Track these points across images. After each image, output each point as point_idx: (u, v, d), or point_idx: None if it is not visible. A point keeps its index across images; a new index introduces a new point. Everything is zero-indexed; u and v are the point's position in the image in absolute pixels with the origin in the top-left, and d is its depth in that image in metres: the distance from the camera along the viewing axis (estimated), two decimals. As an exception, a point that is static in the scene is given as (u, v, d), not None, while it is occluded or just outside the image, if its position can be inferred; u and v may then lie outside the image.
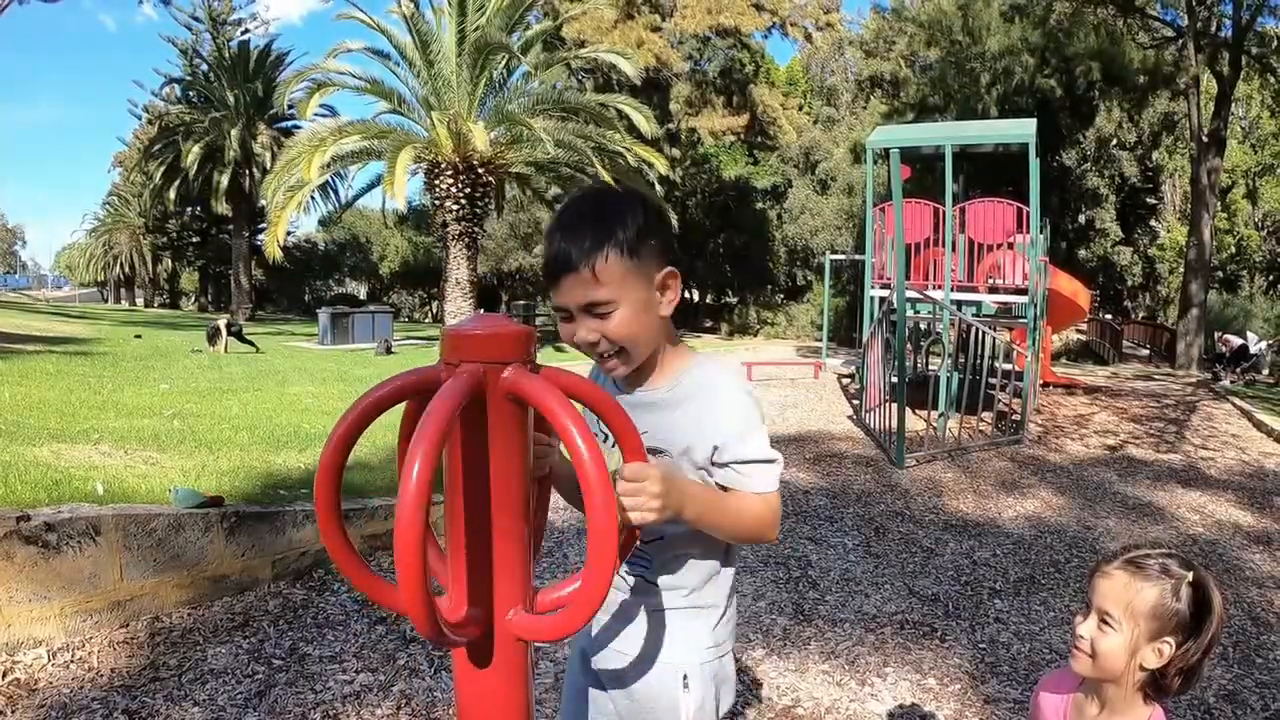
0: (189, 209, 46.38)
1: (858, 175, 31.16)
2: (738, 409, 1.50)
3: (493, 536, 1.13)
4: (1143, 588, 1.56)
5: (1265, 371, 20.83)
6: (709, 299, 43.80)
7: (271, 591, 4.40)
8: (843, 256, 25.19)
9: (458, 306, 19.41)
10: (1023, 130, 12.65)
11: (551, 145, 17.17)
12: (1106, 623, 1.58)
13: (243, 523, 4.36)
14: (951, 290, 11.77)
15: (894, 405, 8.82)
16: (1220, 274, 36.79)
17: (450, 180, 18.73)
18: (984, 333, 10.21)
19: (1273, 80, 25.05)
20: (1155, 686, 1.59)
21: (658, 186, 21.56)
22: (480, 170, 18.88)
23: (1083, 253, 32.63)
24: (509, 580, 1.15)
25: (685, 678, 1.56)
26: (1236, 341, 21.81)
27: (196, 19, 39.94)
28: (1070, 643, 1.67)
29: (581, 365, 1.68)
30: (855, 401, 12.39)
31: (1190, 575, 1.56)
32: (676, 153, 32.40)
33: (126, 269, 59.20)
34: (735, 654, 3.98)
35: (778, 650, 4.01)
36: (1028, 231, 11.96)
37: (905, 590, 4.89)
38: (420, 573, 0.95)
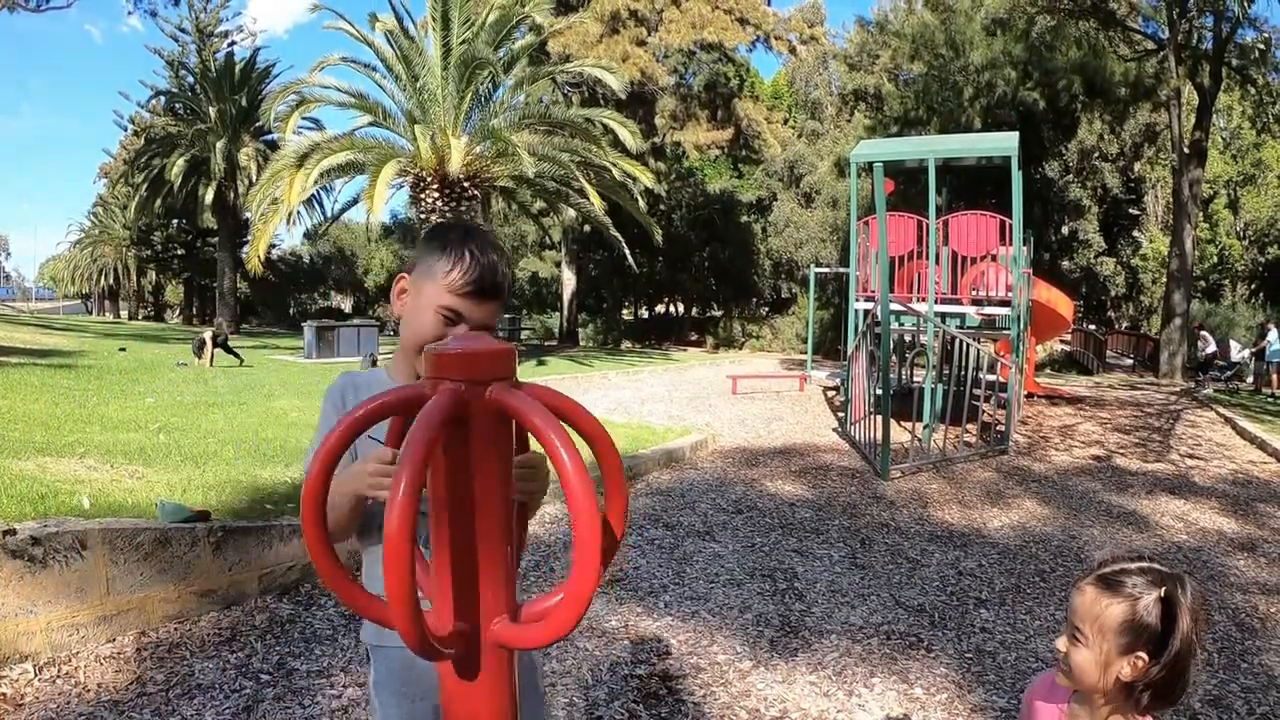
0: (174, 221, 46.23)
1: (842, 188, 31.21)
2: None
3: (478, 549, 1.14)
4: (1110, 604, 1.55)
5: (1252, 379, 21.05)
6: (694, 312, 43.88)
7: (259, 606, 4.38)
8: (827, 269, 25.31)
9: (443, 319, 19.29)
10: (1005, 143, 12.72)
11: (530, 163, 17.01)
12: (1076, 638, 1.58)
13: (229, 537, 4.35)
14: (935, 302, 11.84)
15: (879, 417, 8.86)
16: (1203, 283, 37.10)
17: (435, 194, 18.71)
18: (968, 344, 10.28)
19: (1253, 91, 25.25)
20: (1139, 699, 1.56)
21: (642, 201, 21.58)
22: (465, 184, 18.86)
23: (1066, 264, 32.78)
24: (494, 591, 1.16)
25: None
26: (1212, 340, 22.13)
27: (183, 30, 39.75)
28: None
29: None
30: (840, 414, 12.43)
31: (1161, 590, 1.53)
32: (661, 166, 32.46)
33: (111, 281, 58.80)
34: (724, 666, 4.00)
35: (765, 662, 4.02)
36: (1011, 244, 12.05)
37: (891, 601, 4.91)
38: (409, 589, 0.96)
